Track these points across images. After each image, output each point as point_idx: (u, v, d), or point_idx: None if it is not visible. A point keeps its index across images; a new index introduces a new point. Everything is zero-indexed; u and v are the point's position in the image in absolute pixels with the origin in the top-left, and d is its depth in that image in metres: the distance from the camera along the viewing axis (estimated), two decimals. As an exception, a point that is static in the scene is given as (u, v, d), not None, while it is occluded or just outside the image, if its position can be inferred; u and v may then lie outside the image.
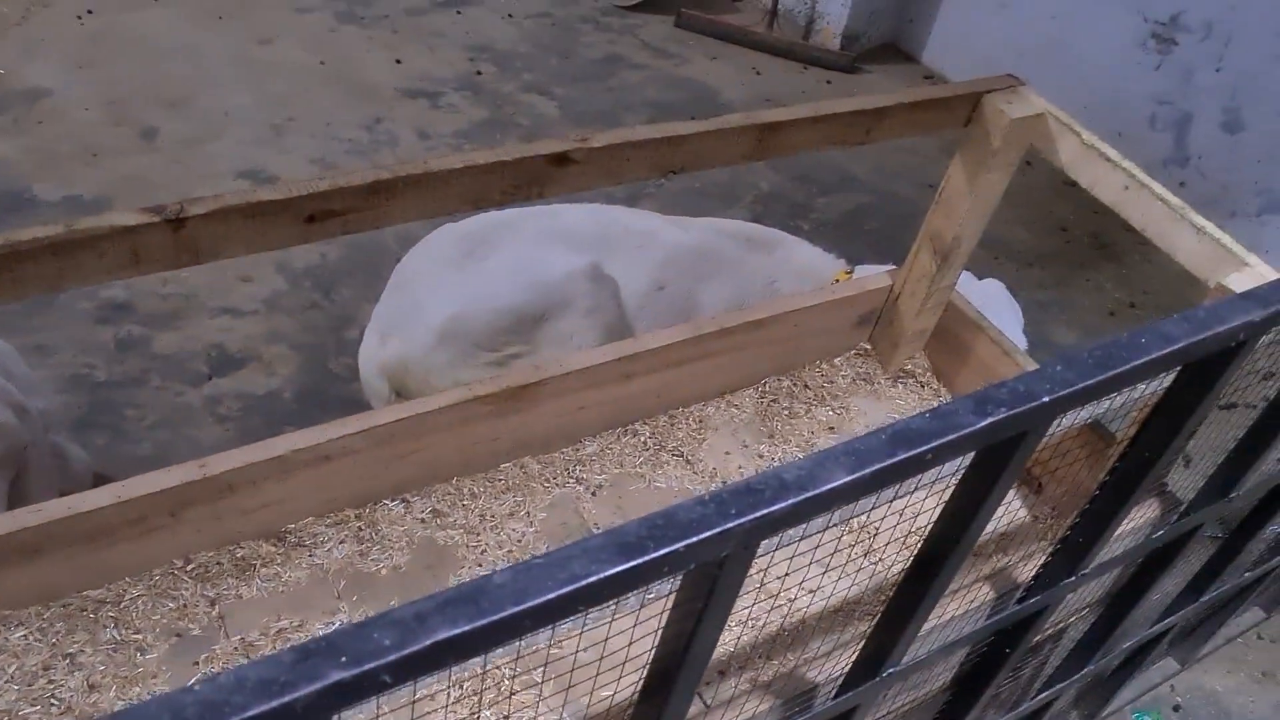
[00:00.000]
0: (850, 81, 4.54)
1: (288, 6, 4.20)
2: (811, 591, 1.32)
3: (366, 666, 0.60)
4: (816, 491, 0.76)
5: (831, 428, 1.88)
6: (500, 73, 4.12)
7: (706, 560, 0.74)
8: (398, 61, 4.00)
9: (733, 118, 1.47)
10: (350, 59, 3.96)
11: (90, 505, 1.29)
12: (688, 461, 1.76)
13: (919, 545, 1.06)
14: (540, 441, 1.69)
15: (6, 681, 1.26)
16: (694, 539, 0.71)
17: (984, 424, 0.84)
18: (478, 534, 1.56)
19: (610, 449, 1.74)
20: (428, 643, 0.62)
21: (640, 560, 0.69)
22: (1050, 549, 1.33)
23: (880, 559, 1.54)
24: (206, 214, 1.10)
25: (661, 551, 0.70)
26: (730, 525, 0.72)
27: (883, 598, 1.50)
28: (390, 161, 3.44)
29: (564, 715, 1.28)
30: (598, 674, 1.01)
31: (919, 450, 0.80)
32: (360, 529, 1.52)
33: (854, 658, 1.20)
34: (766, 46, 4.65)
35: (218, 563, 1.43)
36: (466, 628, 0.63)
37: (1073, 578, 1.32)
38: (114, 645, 1.32)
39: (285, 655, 0.59)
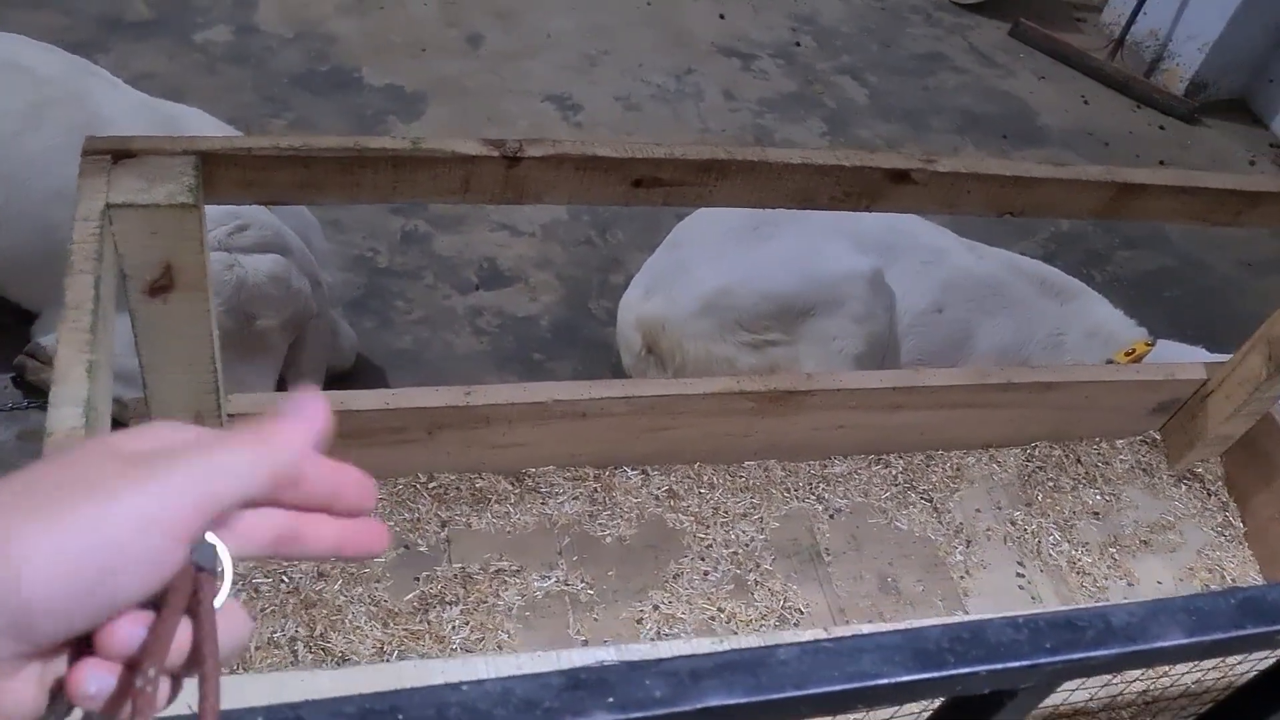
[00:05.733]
0: (1186, 133, 4.18)
1: (629, -60, 4.22)
2: None
3: (631, 714, 0.56)
4: (1145, 646, 0.66)
5: (1096, 513, 1.73)
6: (818, 48, 4.01)
7: (1001, 689, 0.66)
8: (721, 16, 3.95)
9: (1091, 169, 1.35)
10: (676, 4, 3.95)
11: (359, 405, 1.32)
12: (935, 509, 1.66)
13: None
14: (790, 449, 1.63)
15: (248, 549, 1.31)
16: (998, 665, 0.63)
17: (1354, 616, 0.71)
18: (708, 526, 1.52)
19: (858, 475, 1.66)
20: (698, 705, 0.57)
21: (936, 674, 0.62)
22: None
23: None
24: (542, 158, 1.08)
25: (960, 670, 0.62)
26: (1041, 661, 0.64)
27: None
28: (693, 117, 3.42)
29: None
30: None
31: (1273, 629, 0.69)
32: (596, 490, 1.51)
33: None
34: (1102, 76, 4.34)
35: (457, 487, 1.45)
36: (740, 700, 0.58)
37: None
38: (348, 541, 1.36)
39: (555, 679, 0.56)
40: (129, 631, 0.42)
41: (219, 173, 1.00)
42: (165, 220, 0.95)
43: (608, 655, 0.97)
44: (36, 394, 1.99)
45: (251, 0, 3.32)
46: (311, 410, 0.50)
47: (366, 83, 3.11)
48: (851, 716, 0.83)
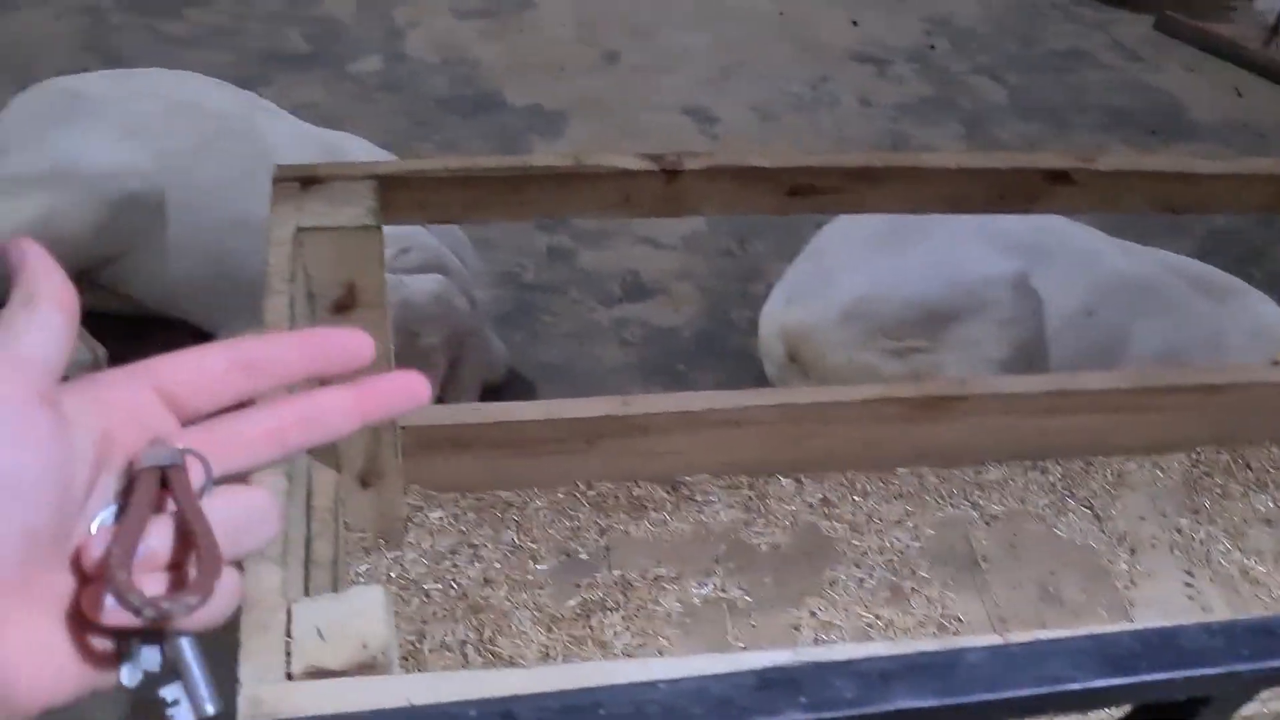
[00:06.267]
0: (1352, 122, 3.97)
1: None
2: None
3: (823, 714, 0.57)
4: (1349, 654, 0.64)
5: (1269, 521, 1.66)
6: (954, 50, 3.95)
7: (1194, 696, 0.65)
8: (854, 23, 3.93)
9: (1259, 162, 1.31)
10: (809, 13, 3.94)
11: (521, 416, 1.37)
12: (1096, 516, 1.62)
13: None
14: (943, 455, 1.61)
15: (419, 555, 1.37)
16: (1193, 671, 0.62)
17: None
18: (861, 533, 1.52)
19: (1014, 481, 1.63)
20: (887, 708, 0.58)
21: (1128, 679, 0.61)
22: None
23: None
24: (700, 170, 1.11)
25: (1152, 675, 0.62)
26: (1239, 667, 0.63)
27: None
28: (829, 125, 3.41)
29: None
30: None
31: None
32: (750, 498, 1.52)
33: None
34: (1257, 65, 4.14)
35: (614, 495, 1.49)
36: (930, 703, 0.58)
37: None
38: (512, 548, 1.41)
39: (747, 678, 0.57)
40: (100, 542, 0.40)
41: (395, 195, 1.06)
42: (350, 241, 1.01)
43: (783, 658, 0.98)
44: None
45: (400, 31, 3.47)
46: (21, 249, 0.43)
47: (509, 103, 3.21)
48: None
